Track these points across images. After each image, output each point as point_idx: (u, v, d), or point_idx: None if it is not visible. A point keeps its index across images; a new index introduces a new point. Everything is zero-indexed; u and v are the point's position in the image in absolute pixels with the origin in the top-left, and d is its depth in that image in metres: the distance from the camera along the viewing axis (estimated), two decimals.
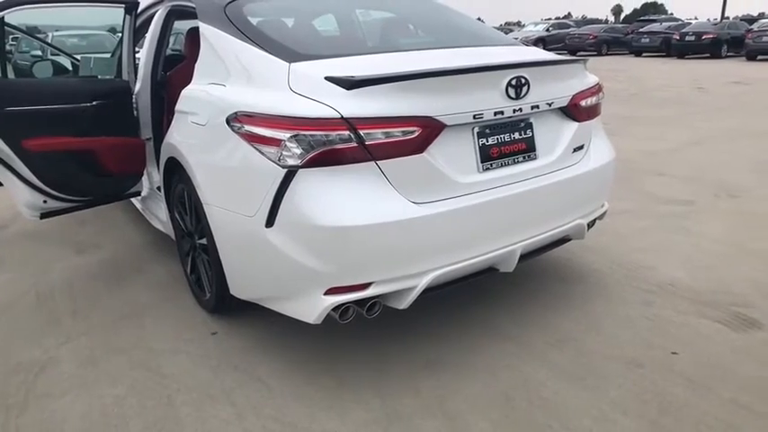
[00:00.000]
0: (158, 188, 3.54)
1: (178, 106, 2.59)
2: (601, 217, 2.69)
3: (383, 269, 1.95)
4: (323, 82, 1.94)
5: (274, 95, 2.02)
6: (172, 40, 3.89)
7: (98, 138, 3.10)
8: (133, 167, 3.35)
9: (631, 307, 2.66)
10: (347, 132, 1.86)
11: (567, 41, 25.12)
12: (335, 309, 1.98)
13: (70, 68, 4.02)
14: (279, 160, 1.91)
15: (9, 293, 3.00)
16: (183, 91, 2.57)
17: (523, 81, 2.14)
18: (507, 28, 41.12)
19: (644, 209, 4.05)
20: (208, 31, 2.50)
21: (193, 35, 3.18)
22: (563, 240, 2.55)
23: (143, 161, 3.41)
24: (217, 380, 2.23)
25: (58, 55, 4.63)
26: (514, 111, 2.16)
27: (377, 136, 1.90)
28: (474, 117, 2.06)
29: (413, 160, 1.95)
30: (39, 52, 8.40)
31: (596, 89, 2.55)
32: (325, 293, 1.95)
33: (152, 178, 3.56)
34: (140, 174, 3.44)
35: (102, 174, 3.17)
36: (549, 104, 2.29)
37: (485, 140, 2.14)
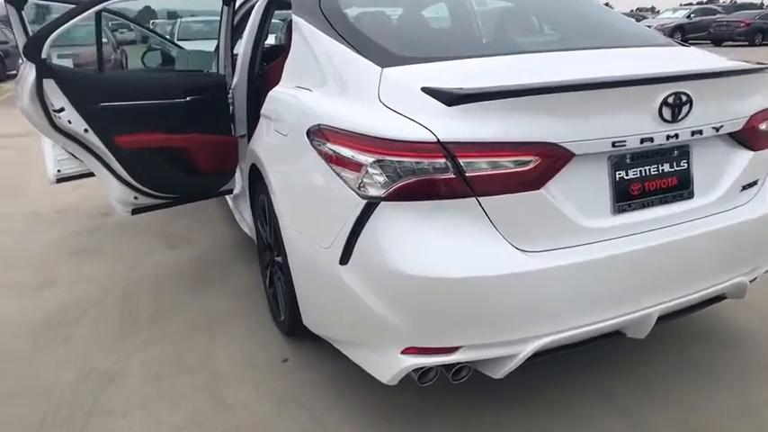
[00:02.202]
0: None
1: (263, 109, 2.36)
2: None
3: (476, 332, 1.56)
4: (418, 94, 1.57)
5: (361, 108, 1.69)
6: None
7: (190, 134, 2.98)
8: (225, 166, 3.21)
9: None
10: (443, 160, 1.49)
11: (713, 30, 22.38)
12: (414, 370, 1.63)
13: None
14: (359, 188, 1.58)
15: (101, 287, 3.00)
16: (270, 92, 2.33)
17: (684, 99, 1.62)
18: (639, 15, 37.71)
19: None
20: (300, 25, 2.22)
21: (290, 27, 2.94)
22: (715, 300, 1.98)
23: (235, 159, 3.26)
24: (280, 419, 1.99)
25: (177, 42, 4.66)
26: (668, 137, 1.65)
27: (481, 166, 1.50)
28: (613, 145, 1.59)
29: (526, 198, 1.53)
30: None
31: None
32: (403, 352, 1.60)
33: (244, 175, 3.42)
34: (232, 172, 3.31)
35: (193, 172, 3.06)
36: (717, 129, 1.74)
37: (623, 174, 1.66)
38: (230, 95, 3.21)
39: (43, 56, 2.36)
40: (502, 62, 1.85)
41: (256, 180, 2.53)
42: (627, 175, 1.66)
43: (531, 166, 1.52)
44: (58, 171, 3.42)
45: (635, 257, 1.63)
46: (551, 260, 1.55)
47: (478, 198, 1.51)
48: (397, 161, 1.50)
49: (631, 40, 2.17)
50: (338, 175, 1.64)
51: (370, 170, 1.54)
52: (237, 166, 3.33)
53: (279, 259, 2.30)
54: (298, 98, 2.05)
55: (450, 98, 1.48)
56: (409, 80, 1.66)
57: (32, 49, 2.34)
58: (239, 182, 3.46)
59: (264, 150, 2.26)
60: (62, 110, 2.52)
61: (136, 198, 2.95)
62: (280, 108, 2.19)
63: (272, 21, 3.22)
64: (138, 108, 2.75)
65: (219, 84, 3.08)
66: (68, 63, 3.30)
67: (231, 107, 3.22)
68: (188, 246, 3.52)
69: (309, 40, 2.13)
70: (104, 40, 10.33)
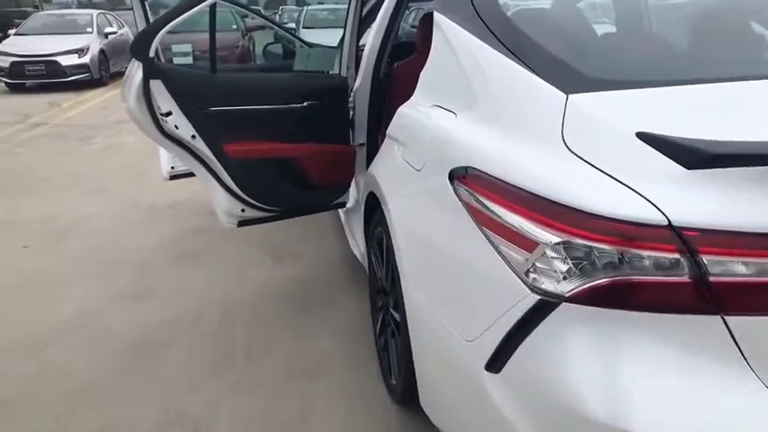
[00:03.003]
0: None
1: (390, 128, 1.92)
2: None
3: None
4: (631, 141, 1.04)
5: (532, 152, 1.18)
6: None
7: (305, 144, 2.64)
8: (339, 179, 2.84)
9: None
10: (675, 256, 0.95)
11: None
12: None
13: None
14: (527, 275, 1.08)
15: (198, 304, 2.77)
16: (400, 108, 1.89)
17: None
18: None
19: None
20: (443, 26, 1.74)
21: (427, 25, 2.48)
22: None
23: (352, 172, 2.89)
24: None
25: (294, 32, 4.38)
26: None
27: (734, 269, 0.94)
28: None
29: None
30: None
31: None
32: None
33: (360, 187, 3.04)
34: (348, 185, 2.94)
35: (305, 184, 2.73)
36: None
37: None
38: (351, 98, 2.83)
39: (151, 54, 2.09)
40: (749, 93, 1.24)
41: (374, 208, 2.11)
42: None
43: None
44: (172, 168, 3.25)
45: None
46: None
47: (725, 317, 0.95)
48: (596, 248, 0.99)
49: None
50: (495, 247, 1.15)
51: (550, 254, 1.03)
52: (353, 179, 2.96)
53: (395, 314, 1.87)
54: (437, 123, 1.58)
55: (695, 157, 0.93)
56: (612, 118, 1.12)
57: (140, 47, 2.08)
58: (353, 195, 3.09)
59: (388, 182, 1.83)
60: (169, 113, 2.26)
61: (243, 211, 2.66)
62: (412, 131, 1.74)
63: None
64: (250, 114, 2.44)
65: (341, 88, 2.70)
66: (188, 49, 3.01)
67: (351, 111, 2.84)
68: (293, 261, 3.22)
69: (456, 46, 1.64)
70: (233, 26, 10.63)
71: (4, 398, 2.11)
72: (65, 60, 9.60)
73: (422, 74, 1.85)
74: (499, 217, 1.15)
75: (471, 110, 1.47)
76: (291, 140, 2.60)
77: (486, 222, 1.19)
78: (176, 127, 2.30)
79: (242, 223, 2.74)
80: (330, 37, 8.93)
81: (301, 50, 2.57)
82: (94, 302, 2.77)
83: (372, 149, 2.97)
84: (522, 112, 1.30)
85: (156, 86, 2.18)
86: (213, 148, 2.42)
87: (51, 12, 13.04)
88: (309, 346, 2.40)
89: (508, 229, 1.12)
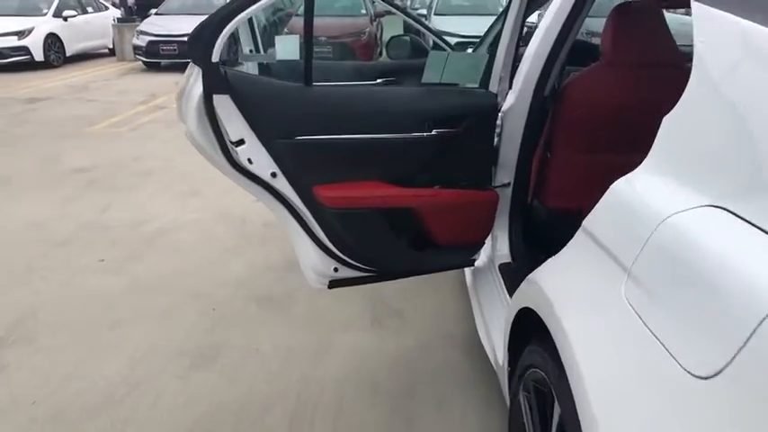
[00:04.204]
0: (499, 268, 2.16)
1: (590, 222, 1.06)
2: None
3: None
4: None
5: None
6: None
7: (428, 189, 1.86)
8: (472, 236, 2.04)
9: None
10: None
11: None
12: None
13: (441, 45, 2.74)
14: None
15: (271, 378, 2.11)
16: (613, 186, 1.02)
17: None
18: None
19: None
20: (728, 29, 0.84)
21: (621, 18, 1.59)
22: None
23: (489, 226, 2.06)
24: None
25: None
26: None
27: None
28: None
29: None
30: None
31: None
32: None
33: (497, 245, 2.19)
34: (482, 243, 2.12)
35: (424, 242, 1.95)
36: None
37: None
38: (499, 121, 1.99)
39: (214, 58, 1.41)
40: None
41: (526, 335, 1.27)
42: None
43: None
44: (335, 270, 2.32)
45: None
46: None
47: None
48: None
49: None
50: None
51: None
52: (490, 234, 2.14)
53: None
54: (694, 229, 0.72)
55: None
56: None
57: (199, 46, 1.40)
58: (486, 251, 2.26)
59: (584, 328, 0.97)
60: (241, 142, 1.58)
61: (336, 270, 1.95)
62: (632, 233, 0.87)
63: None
64: (355, 145, 1.70)
65: (488, 109, 1.87)
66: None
67: (497, 139, 2.02)
68: (397, 326, 2.46)
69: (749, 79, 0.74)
70: (362, 11, 10.03)
71: None
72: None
73: (669, 121, 0.95)
74: None
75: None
76: (412, 183, 1.82)
77: None
78: (250, 161, 1.61)
79: (334, 284, 2.03)
80: (464, 25, 7.99)
81: (435, 55, 1.75)
82: (149, 358, 2.22)
83: (519, 192, 2.12)
84: None
85: (223, 104, 1.50)
86: (301, 191, 1.70)
87: None
88: None
89: None
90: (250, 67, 2.69)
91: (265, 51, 2.74)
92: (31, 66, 9.71)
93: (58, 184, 4.25)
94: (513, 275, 2.08)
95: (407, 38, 3.05)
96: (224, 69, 1.47)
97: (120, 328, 2.43)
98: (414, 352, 2.29)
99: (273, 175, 1.65)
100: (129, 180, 4.33)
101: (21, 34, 9.79)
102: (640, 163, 0.99)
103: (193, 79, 1.46)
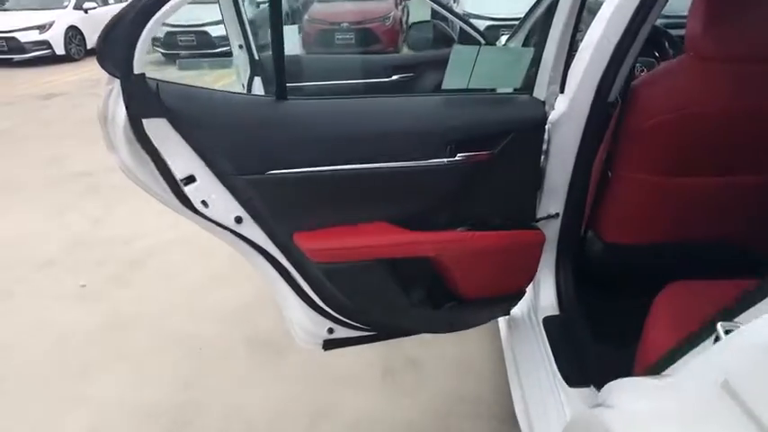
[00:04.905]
0: (544, 322, 1.69)
1: (732, 374, 0.59)
2: None
3: None
4: None
5: None
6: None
7: (450, 233, 1.40)
8: (509, 287, 1.58)
9: None
10: None
11: None
12: None
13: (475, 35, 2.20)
14: None
15: None
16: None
17: None
18: None
19: None
20: None
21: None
22: None
23: (531, 273, 1.60)
24: None
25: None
26: None
27: None
28: None
29: None
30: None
31: None
32: None
33: (540, 291, 1.72)
34: (522, 293, 1.65)
35: (445, 300, 1.49)
36: None
37: None
38: (546, 135, 1.52)
39: (137, 69, 0.97)
40: None
41: None
42: None
43: None
44: (330, 331, 2.11)
45: None
46: None
47: None
48: None
49: None
50: None
51: None
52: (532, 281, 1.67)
53: None
54: None
55: None
56: None
57: (111, 50, 0.97)
58: (525, 298, 1.79)
59: None
60: (191, 179, 1.15)
61: (332, 331, 1.51)
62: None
63: None
64: (346, 179, 1.24)
65: (532, 124, 1.40)
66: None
67: (542, 157, 1.54)
68: (412, 379, 2.02)
69: None
70: None
71: None
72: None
73: None
74: None
75: None
76: (426, 225, 1.36)
77: None
78: (205, 204, 1.18)
79: (329, 345, 1.60)
80: (498, 5, 7.33)
81: (460, 52, 1.26)
82: (112, 422, 1.84)
83: (571, 226, 1.64)
84: None
85: (159, 131, 1.06)
86: (277, 239, 1.27)
87: None
88: None
89: None
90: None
91: (257, 45, 2.32)
92: (52, 59, 9.53)
93: (55, 190, 3.93)
94: (561, 331, 1.62)
95: (430, 23, 2.56)
96: (155, 82, 1.03)
97: (89, 376, 2.06)
98: (432, 419, 1.84)
99: (238, 220, 1.21)
100: (128, 187, 3.97)
101: (42, 28, 9.60)
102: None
103: (114, 98, 1.03)
